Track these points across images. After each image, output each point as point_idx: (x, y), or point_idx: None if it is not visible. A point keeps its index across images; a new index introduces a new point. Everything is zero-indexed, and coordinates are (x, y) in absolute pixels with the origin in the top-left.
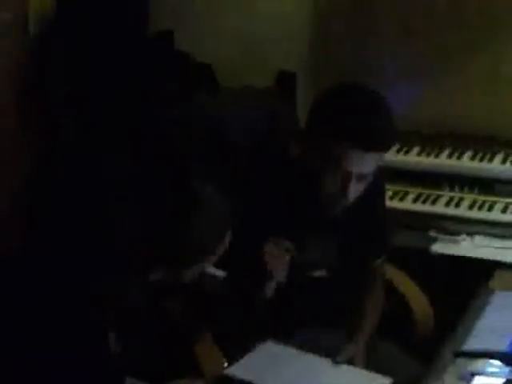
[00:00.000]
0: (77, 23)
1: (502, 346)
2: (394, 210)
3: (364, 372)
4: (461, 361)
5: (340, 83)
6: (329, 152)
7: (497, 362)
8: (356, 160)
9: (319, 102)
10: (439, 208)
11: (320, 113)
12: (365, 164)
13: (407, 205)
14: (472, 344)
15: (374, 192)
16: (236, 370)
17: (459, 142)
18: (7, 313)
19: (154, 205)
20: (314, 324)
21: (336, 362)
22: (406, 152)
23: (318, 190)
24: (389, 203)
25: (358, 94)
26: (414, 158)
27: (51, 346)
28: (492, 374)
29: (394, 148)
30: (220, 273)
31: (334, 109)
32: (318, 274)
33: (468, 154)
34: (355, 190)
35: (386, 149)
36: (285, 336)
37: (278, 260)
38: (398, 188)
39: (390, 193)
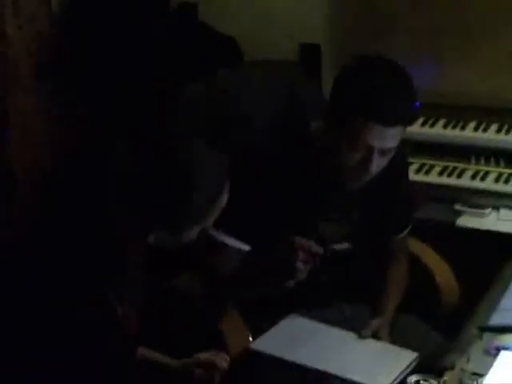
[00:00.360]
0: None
1: None
2: (420, 184)
3: (390, 346)
4: (486, 335)
5: (362, 56)
6: (351, 126)
7: None
8: (378, 134)
9: (341, 75)
10: (465, 181)
11: (342, 87)
12: (387, 139)
13: (433, 178)
14: (498, 319)
15: (397, 165)
16: (261, 344)
17: (485, 114)
18: (7, 313)
19: (149, 167)
20: (338, 297)
21: (361, 336)
22: (432, 125)
23: (340, 163)
24: (414, 176)
25: (379, 68)
26: (440, 131)
27: (51, 345)
28: None
29: (420, 121)
30: (244, 246)
31: (355, 83)
32: (339, 247)
33: (494, 126)
34: (377, 164)
35: (407, 124)
36: (309, 310)
37: (309, 257)
38: (423, 161)
39: (415, 166)
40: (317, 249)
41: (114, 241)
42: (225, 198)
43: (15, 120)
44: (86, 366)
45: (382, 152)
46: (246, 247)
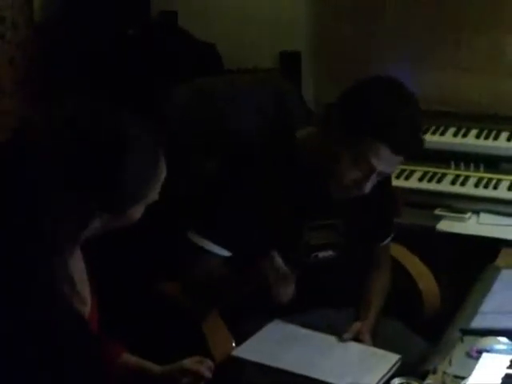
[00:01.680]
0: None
1: (509, 324)
2: (400, 189)
3: (372, 349)
4: (468, 338)
5: (378, 77)
6: (360, 146)
7: (504, 340)
8: (385, 159)
9: (358, 93)
10: (445, 186)
11: (359, 106)
12: (391, 164)
13: (413, 183)
14: (479, 322)
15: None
16: (244, 351)
17: (464, 120)
18: None
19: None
20: (321, 303)
21: (342, 340)
22: None
23: (333, 177)
24: (395, 182)
25: (399, 95)
26: None
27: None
28: (499, 352)
29: None
30: (224, 252)
31: (375, 106)
32: (323, 254)
33: (473, 131)
34: (372, 184)
35: (416, 153)
36: (292, 315)
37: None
38: (403, 166)
39: (395, 172)
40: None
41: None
42: (162, 166)
43: None
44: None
45: (380, 174)
46: (226, 253)
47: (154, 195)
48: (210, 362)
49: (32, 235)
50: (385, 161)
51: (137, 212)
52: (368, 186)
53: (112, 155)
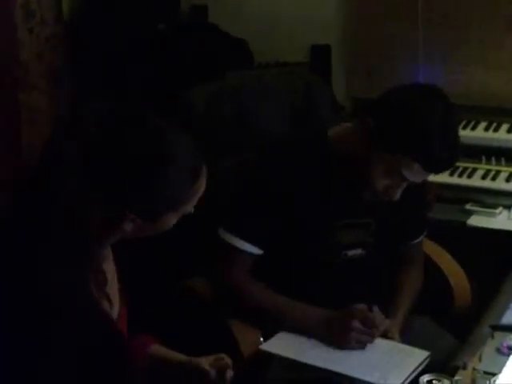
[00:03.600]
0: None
1: None
2: (431, 184)
3: (401, 345)
4: (498, 334)
5: (421, 89)
6: (393, 158)
7: None
8: (417, 174)
9: (393, 108)
10: (476, 181)
11: (398, 120)
12: (423, 177)
13: (444, 178)
14: (510, 318)
15: None
16: (271, 346)
17: (495, 114)
18: None
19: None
20: (351, 301)
21: None
22: None
23: (362, 179)
24: None
25: (439, 115)
26: None
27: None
28: None
29: None
30: (256, 250)
31: (413, 125)
32: (353, 253)
33: (505, 126)
34: (402, 191)
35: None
36: None
37: (367, 339)
38: None
39: None
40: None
41: (87, 232)
42: (202, 181)
43: (26, 117)
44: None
45: (411, 182)
46: (256, 251)
47: (189, 207)
48: (228, 360)
49: (63, 235)
50: (417, 175)
51: (169, 221)
52: (398, 194)
53: (153, 164)
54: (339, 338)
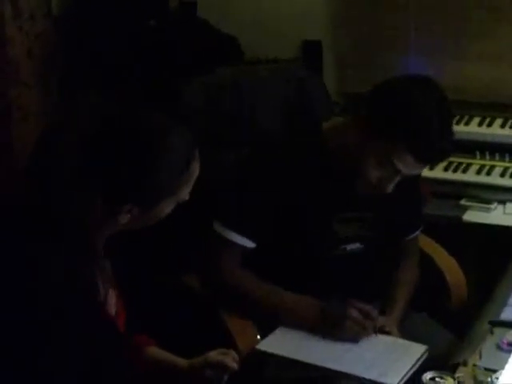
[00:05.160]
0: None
1: None
2: (425, 180)
3: (399, 340)
4: (498, 330)
5: (415, 79)
6: (387, 150)
7: None
8: (411, 166)
9: (392, 97)
10: (470, 176)
11: (393, 112)
12: (416, 170)
13: (438, 173)
14: (509, 314)
15: None
16: (268, 344)
17: (489, 109)
18: None
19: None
20: (348, 296)
21: None
22: None
23: (356, 172)
24: None
25: (435, 107)
26: None
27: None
28: None
29: None
30: (249, 243)
31: (408, 117)
32: (351, 247)
33: (498, 121)
34: (395, 183)
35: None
36: None
37: (362, 330)
38: None
39: None
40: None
41: (88, 226)
42: (195, 166)
43: (17, 115)
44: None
45: (404, 175)
46: (250, 244)
47: (184, 194)
48: (235, 354)
49: (65, 232)
50: (410, 167)
51: (166, 209)
52: (390, 187)
53: (147, 150)
54: (334, 327)
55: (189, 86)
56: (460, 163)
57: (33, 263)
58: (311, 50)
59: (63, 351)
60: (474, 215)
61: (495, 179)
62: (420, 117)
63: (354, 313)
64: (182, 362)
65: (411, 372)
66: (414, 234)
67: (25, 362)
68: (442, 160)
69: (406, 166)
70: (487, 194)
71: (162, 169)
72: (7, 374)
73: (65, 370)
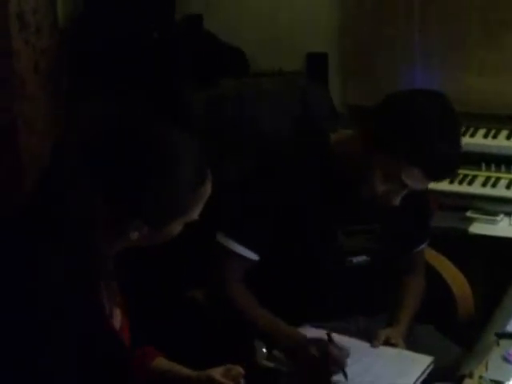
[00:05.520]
0: (102, 15)
1: None
2: (431, 192)
3: (405, 352)
4: (504, 342)
5: (425, 95)
6: (394, 164)
7: None
8: (418, 181)
9: (395, 114)
10: (476, 188)
11: (400, 127)
12: (423, 185)
13: (444, 185)
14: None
15: None
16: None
17: (494, 121)
18: None
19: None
20: (355, 308)
21: (372, 346)
22: None
23: (363, 185)
24: None
25: (445, 123)
26: None
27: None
28: None
29: None
30: (253, 256)
31: (418, 132)
32: (357, 259)
33: (504, 133)
34: (400, 197)
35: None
36: (324, 321)
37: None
38: None
39: None
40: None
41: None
42: (208, 186)
43: (22, 127)
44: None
45: (411, 189)
46: (254, 256)
47: (195, 214)
48: (239, 369)
49: (73, 244)
50: (417, 182)
51: (175, 229)
52: (398, 200)
53: (160, 169)
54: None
55: (192, 97)
56: (466, 175)
57: (33, 263)
58: (316, 62)
59: (63, 351)
60: (480, 227)
61: (501, 191)
62: (422, 130)
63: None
64: (189, 372)
65: (418, 383)
66: (421, 247)
67: (25, 362)
68: (450, 174)
69: (414, 181)
70: (493, 206)
71: (174, 188)
72: (7, 373)
73: (65, 370)
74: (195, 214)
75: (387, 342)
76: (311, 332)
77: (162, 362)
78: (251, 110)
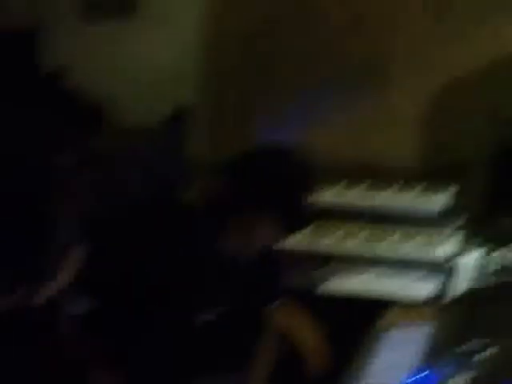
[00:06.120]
0: None
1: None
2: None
3: None
4: None
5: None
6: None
7: None
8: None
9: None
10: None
11: (247, 189)
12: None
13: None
14: (370, 380)
15: None
16: None
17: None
18: None
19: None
20: (204, 369)
21: None
22: None
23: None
24: None
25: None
26: None
27: None
28: None
29: None
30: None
31: (259, 191)
32: (206, 318)
33: (362, 185)
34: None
35: None
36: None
37: None
38: None
39: None
40: None
41: None
42: (80, 251)
43: None
44: None
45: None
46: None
47: (65, 277)
48: None
49: None
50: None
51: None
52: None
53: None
54: None
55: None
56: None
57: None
58: (181, 115)
59: None
60: (335, 284)
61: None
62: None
63: None
64: None
65: None
66: (272, 306)
67: None
68: None
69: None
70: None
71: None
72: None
73: None
74: (64, 280)
75: None
76: None
77: None
78: (107, 169)
